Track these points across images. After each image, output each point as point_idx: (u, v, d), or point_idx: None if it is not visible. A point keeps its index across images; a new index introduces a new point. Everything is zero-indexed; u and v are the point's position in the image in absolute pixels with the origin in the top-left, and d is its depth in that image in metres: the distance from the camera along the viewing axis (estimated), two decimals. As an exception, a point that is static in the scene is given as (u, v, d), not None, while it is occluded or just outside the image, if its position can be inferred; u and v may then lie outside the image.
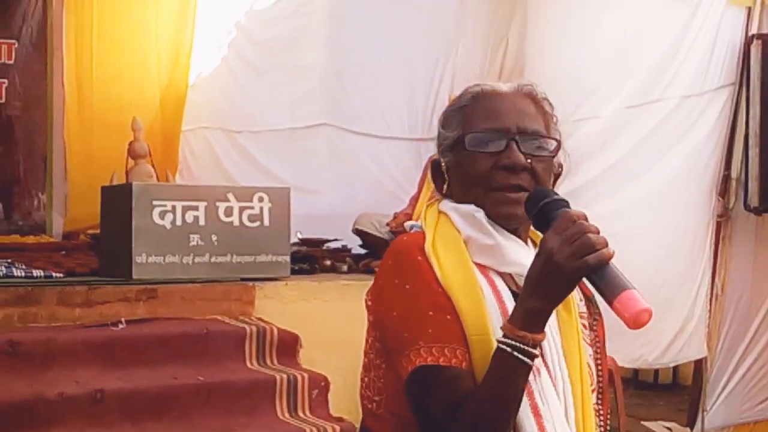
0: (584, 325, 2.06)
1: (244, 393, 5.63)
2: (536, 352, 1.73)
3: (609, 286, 1.65)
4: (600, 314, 2.10)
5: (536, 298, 1.73)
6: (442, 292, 1.85)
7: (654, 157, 6.58)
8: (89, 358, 5.49)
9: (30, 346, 5.38)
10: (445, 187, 2.03)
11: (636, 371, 7.16)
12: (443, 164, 2.03)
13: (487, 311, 1.83)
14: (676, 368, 7.19)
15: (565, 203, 1.79)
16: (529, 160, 1.91)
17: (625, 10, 6.31)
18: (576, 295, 2.02)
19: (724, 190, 6.71)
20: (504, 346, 1.72)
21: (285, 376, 5.68)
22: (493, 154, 1.92)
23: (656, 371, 7.34)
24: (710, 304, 6.69)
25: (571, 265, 1.66)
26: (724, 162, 6.71)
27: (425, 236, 1.94)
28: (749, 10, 6.64)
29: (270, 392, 5.64)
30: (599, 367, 2.09)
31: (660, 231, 6.64)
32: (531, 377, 1.81)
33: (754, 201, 6.47)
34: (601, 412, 2.09)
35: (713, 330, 6.70)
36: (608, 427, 2.13)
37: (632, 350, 6.47)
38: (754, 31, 6.63)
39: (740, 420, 6.77)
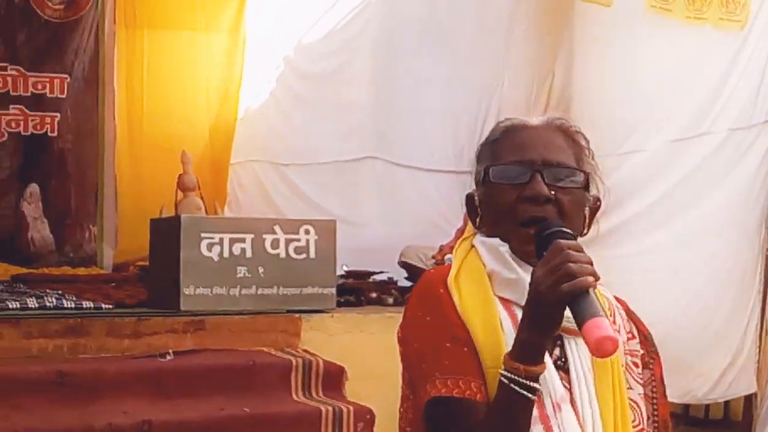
0: (635, 364, 2.03)
1: (290, 425, 5.61)
2: (535, 384, 1.73)
3: (581, 312, 1.66)
4: (657, 353, 2.09)
5: (527, 330, 1.74)
6: (461, 324, 1.86)
7: (702, 191, 6.52)
8: (137, 389, 5.51)
9: (79, 377, 5.41)
10: (477, 220, 2.02)
11: (687, 406, 7.06)
12: (476, 198, 2.02)
13: (505, 344, 1.81)
14: (726, 403, 7.08)
15: (566, 234, 1.79)
16: (553, 192, 1.89)
17: (673, 42, 6.27)
18: (623, 331, 2.00)
19: (776, 223, 6.62)
20: (503, 379, 1.73)
21: (330, 408, 5.66)
22: (517, 185, 1.90)
23: (707, 407, 7.23)
24: (760, 339, 6.61)
25: (551, 294, 1.68)
26: (776, 195, 6.61)
27: (448, 271, 1.95)
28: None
29: (315, 424, 5.60)
30: (654, 407, 2.05)
31: (709, 265, 6.54)
32: (551, 412, 1.83)
33: (806, 233, 6.40)
34: None
35: (763, 365, 6.61)
36: None
37: (682, 385, 6.40)
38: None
39: (790, 457, 6.65)
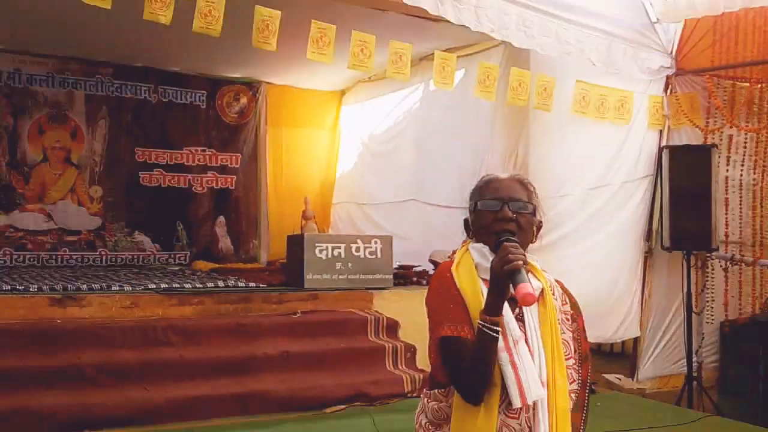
0: (567, 318, 2.04)
1: (367, 354, 5.67)
2: (496, 327, 1.81)
3: (515, 281, 1.78)
4: (580, 312, 2.09)
5: (490, 296, 1.84)
6: (459, 294, 1.92)
7: (606, 219, 6.51)
8: (280, 333, 5.60)
9: (248, 327, 5.54)
10: (470, 233, 2.06)
11: (600, 345, 7.01)
12: (469, 221, 2.06)
13: (483, 304, 1.88)
14: (623, 343, 7.00)
15: (510, 240, 1.88)
16: (514, 215, 1.95)
17: (587, 130, 6.28)
18: (559, 298, 2.04)
19: (649, 237, 6.63)
20: (480, 324, 1.82)
21: (390, 344, 5.74)
22: (493, 212, 1.96)
23: (611, 345, 7.16)
24: (642, 305, 6.62)
25: (500, 271, 1.79)
26: (649, 219, 6.62)
27: (453, 262, 2.01)
28: (661, 131, 6.57)
29: (382, 354, 5.67)
30: (579, 344, 2.03)
31: (611, 262, 6.52)
32: (511, 344, 1.87)
33: (666, 243, 6.40)
34: (580, 371, 2.02)
35: (644, 320, 6.63)
36: (589, 385, 2.06)
37: (597, 332, 6.36)
38: (664, 143, 6.59)
39: (660, 374, 6.68)
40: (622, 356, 7.16)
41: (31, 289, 5.48)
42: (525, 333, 1.90)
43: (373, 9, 5.62)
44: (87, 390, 4.66)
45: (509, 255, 1.80)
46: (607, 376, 6.62)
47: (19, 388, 4.53)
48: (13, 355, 4.72)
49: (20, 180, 8.26)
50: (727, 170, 6.65)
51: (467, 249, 2.02)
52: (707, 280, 6.64)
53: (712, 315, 6.65)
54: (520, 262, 1.79)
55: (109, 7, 4.69)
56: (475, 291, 1.92)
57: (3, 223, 8.14)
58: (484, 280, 1.92)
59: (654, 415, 5.47)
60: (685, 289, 6.37)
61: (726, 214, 6.63)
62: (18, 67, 8.18)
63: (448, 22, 5.42)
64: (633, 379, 6.57)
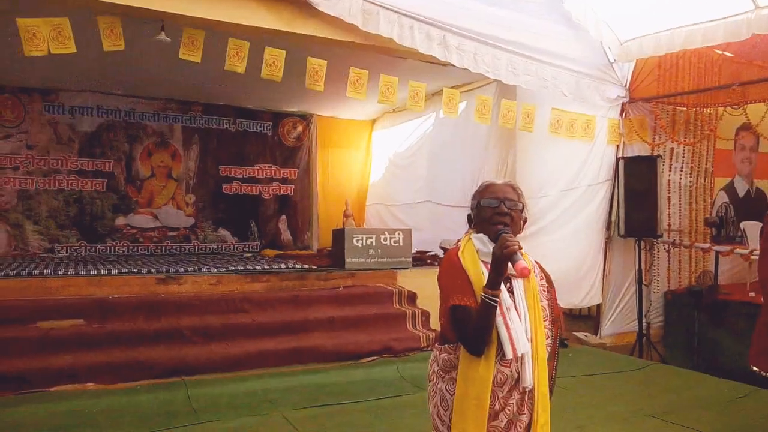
0: (543, 289, 2.02)
1: (393, 318, 5.61)
2: (495, 298, 1.81)
3: (513, 260, 1.80)
4: (552, 285, 2.08)
5: (491, 273, 1.84)
6: (465, 272, 1.90)
7: (576, 213, 6.39)
8: (327, 302, 5.58)
9: (303, 298, 5.52)
10: (472, 225, 2.03)
11: (570, 310, 6.89)
12: (472, 215, 2.03)
13: (483, 280, 1.87)
14: (589, 308, 6.87)
15: (506, 232, 1.87)
16: (508, 211, 1.92)
17: (560, 145, 6.17)
18: (538, 275, 2.01)
19: (608, 227, 6.48)
20: (482, 296, 1.82)
21: (410, 310, 5.69)
22: (492, 207, 1.93)
23: (580, 309, 7.04)
24: (603, 279, 6.47)
25: (500, 255, 1.80)
26: (608, 213, 6.47)
27: (458, 248, 1.98)
28: (618, 146, 6.43)
29: (404, 318, 5.63)
30: (552, 309, 2.03)
31: (580, 246, 6.38)
32: (505, 310, 1.87)
33: (622, 232, 6.31)
34: (552, 330, 2.02)
35: (605, 290, 6.48)
36: (558, 339, 2.06)
37: (568, 299, 6.25)
38: (620, 155, 6.43)
39: (618, 331, 6.53)
40: (588, 318, 7.05)
41: (142, 272, 5.53)
42: (514, 302, 1.90)
43: (396, 57, 5.57)
44: (183, 346, 4.69)
45: (507, 242, 1.80)
46: (576, 333, 6.51)
47: (133, 344, 4.57)
48: (129, 320, 4.77)
49: (134, 191, 8.33)
50: (670, 175, 6.51)
51: (470, 238, 1.98)
52: (654, 260, 6.49)
53: (657, 286, 6.52)
54: (516, 247, 1.80)
55: (199, 61, 4.73)
56: (477, 270, 1.90)
57: (122, 222, 8.22)
58: (483, 262, 1.90)
59: (613, 363, 5.39)
60: (637, 267, 6.28)
61: (668, 208, 6.51)
62: (132, 107, 8.25)
63: (453, 65, 5.38)
64: (597, 336, 6.44)
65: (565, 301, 6.29)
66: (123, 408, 3.87)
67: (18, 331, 4.39)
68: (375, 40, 5.04)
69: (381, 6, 4.93)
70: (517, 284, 1.91)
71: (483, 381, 1.83)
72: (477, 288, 1.85)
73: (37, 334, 4.38)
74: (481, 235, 1.95)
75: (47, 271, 5.29)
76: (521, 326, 1.86)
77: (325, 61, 5.07)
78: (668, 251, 6.53)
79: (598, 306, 6.56)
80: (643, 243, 6.32)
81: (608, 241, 6.45)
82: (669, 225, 6.51)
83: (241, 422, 3.73)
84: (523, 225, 2.01)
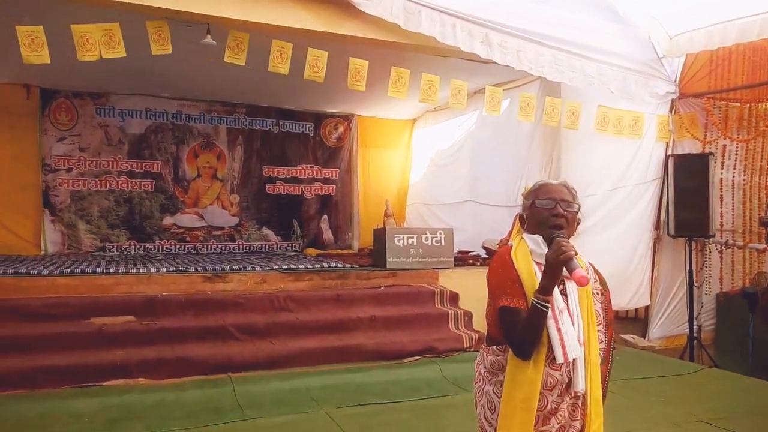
0: (597, 292, 1.97)
1: (435, 318, 5.58)
2: (547, 304, 1.75)
3: (570, 267, 1.73)
4: (607, 288, 2.04)
5: (545, 279, 1.77)
6: (517, 274, 1.86)
7: (623, 213, 6.22)
8: (369, 301, 5.58)
9: (345, 297, 5.54)
10: (525, 226, 1.97)
11: (617, 311, 6.73)
12: (524, 215, 1.97)
13: (536, 282, 1.82)
14: (636, 310, 6.70)
15: (560, 236, 1.81)
16: (564, 213, 1.88)
17: (608, 143, 6.01)
18: (592, 277, 1.96)
19: (658, 226, 6.30)
20: (534, 301, 1.76)
21: (452, 311, 5.64)
22: (548, 209, 1.89)
23: (627, 311, 6.86)
24: (651, 280, 6.31)
25: (554, 260, 1.74)
26: (657, 213, 6.29)
27: (511, 248, 1.93)
28: (667, 143, 6.23)
29: (446, 318, 5.59)
30: (606, 313, 1.99)
31: (627, 247, 6.21)
32: (557, 313, 1.80)
33: (672, 231, 6.10)
34: (606, 333, 1.97)
35: (653, 292, 6.31)
36: (612, 344, 2.01)
37: (615, 301, 5.99)
38: (669, 152, 6.24)
39: (667, 334, 6.37)
40: (635, 320, 6.86)
41: (189, 270, 5.64)
42: (567, 305, 1.84)
43: (437, 56, 5.54)
44: (229, 343, 4.77)
45: (562, 247, 1.73)
46: (623, 336, 6.36)
47: (182, 341, 4.68)
48: (177, 317, 4.88)
49: (181, 191, 8.53)
50: (722, 173, 6.27)
51: (522, 238, 1.93)
52: (705, 260, 6.27)
53: (709, 288, 6.29)
54: (572, 253, 1.73)
55: (244, 64, 4.81)
56: (529, 272, 1.85)
57: (169, 222, 8.43)
58: (537, 263, 1.85)
59: (663, 367, 5.24)
60: (688, 267, 6.06)
61: (721, 207, 6.28)
62: (179, 110, 8.45)
63: (496, 63, 5.31)
64: (645, 339, 6.28)
65: (612, 303, 6.13)
66: (172, 403, 3.96)
67: (73, 326, 4.55)
68: (416, 39, 5.03)
69: (422, 5, 4.91)
70: (571, 286, 1.85)
71: (531, 384, 1.78)
72: (529, 289, 1.81)
73: (91, 330, 4.54)
74: (536, 236, 1.89)
75: (99, 270, 5.47)
76: (573, 330, 1.81)
77: (367, 62, 5.09)
78: (720, 252, 6.30)
79: (646, 308, 6.38)
80: (694, 243, 6.12)
81: (657, 241, 6.26)
82: (722, 224, 6.28)
83: (286, 419, 3.78)
84: (577, 226, 1.96)
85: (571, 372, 1.84)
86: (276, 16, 4.78)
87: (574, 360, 1.81)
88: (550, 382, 1.82)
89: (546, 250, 1.82)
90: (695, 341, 5.96)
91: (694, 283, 6.08)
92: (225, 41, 4.76)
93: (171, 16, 4.57)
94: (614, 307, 6.91)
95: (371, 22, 4.88)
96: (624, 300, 6.18)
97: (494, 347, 1.92)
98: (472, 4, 5.10)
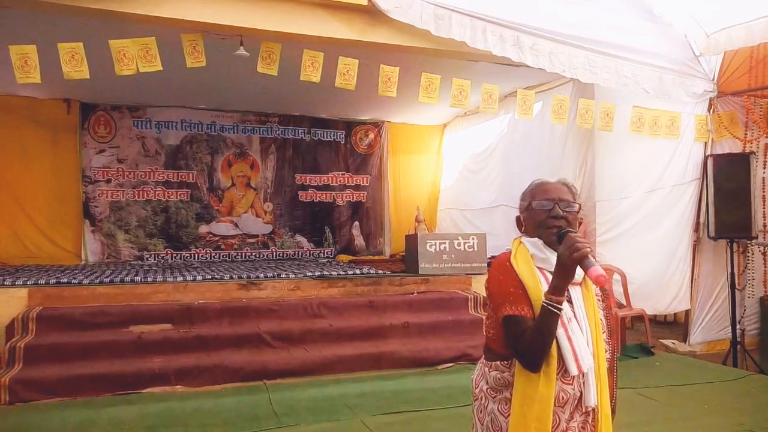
0: (599, 299, 1.81)
1: (469, 325, 5.50)
2: (560, 306, 1.63)
3: (586, 265, 1.60)
4: (608, 295, 1.90)
5: (556, 279, 1.64)
6: (519, 280, 1.72)
7: (661, 216, 6.07)
8: (402, 308, 5.54)
9: (378, 303, 5.51)
10: (522, 228, 1.86)
11: (655, 315, 6.53)
12: (521, 218, 1.86)
13: (540, 288, 1.69)
14: (675, 314, 6.51)
15: (572, 232, 1.70)
16: (563, 213, 1.76)
17: (644, 144, 5.91)
18: (594, 287, 1.82)
19: (697, 228, 6.11)
20: (545, 304, 1.63)
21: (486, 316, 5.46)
22: (546, 210, 1.77)
23: (665, 316, 6.66)
24: (691, 283, 6.11)
25: (568, 258, 1.61)
26: (697, 214, 6.11)
27: (510, 254, 1.79)
28: (706, 143, 6.04)
29: (480, 324, 5.45)
30: (608, 321, 1.84)
31: (665, 250, 6.04)
32: (566, 321, 1.69)
33: (712, 233, 5.89)
34: (609, 342, 1.83)
35: (693, 295, 6.12)
36: (616, 352, 1.88)
37: (653, 305, 5.95)
38: (708, 152, 6.05)
39: (708, 339, 6.15)
40: (674, 324, 6.67)
41: (224, 278, 5.69)
42: (574, 312, 1.72)
43: (468, 61, 5.48)
44: (264, 350, 4.79)
45: (577, 244, 1.60)
46: (663, 341, 6.18)
47: (218, 348, 4.71)
48: (213, 325, 4.92)
49: (216, 200, 8.64)
50: (764, 172, 6.04)
51: (521, 242, 1.81)
52: (748, 263, 6.04)
53: (752, 291, 6.06)
54: (588, 249, 1.60)
55: (276, 74, 4.83)
56: (533, 277, 1.72)
57: (205, 230, 8.54)
58: (538, 268, 1.74)
59: (706, 373, 5.04)
60: (729, 270, 5.84)
61: (764, 208, 6.04)
62: (213, 120, 8.58)
63: (528, 66, 5.23)
64: (685, 344, 6.08)
65: (650, 307, 5.98)
66: (209, 410, 3.98)
67: (113, 334, 4.62)
68: (447, 45, 4.99)
69: (452, 10, 4.87)
70: (575, 293, 1.74)
71: (544, 401, 1.63)
72: (533, 297, 1.68)
73: (130, 338, 4.60)
74: (535, 239, 1.78)
75: (137, 278, 5.55)
76: (584, 339, 1.69)
77: (398, 68, 5.07)
78: (764, 253, 6.08)
79: (687, 312, 6.18)
80: (735, 245, 5.90)
81: (697, 243, 6.07)
82: (765, 226, 6.05)
83: (321, 427, 3.75)
84: (579, 225, 1.83)
85: (582, 385, 1.71)
86: (308, 26, 4.81)
87: (586, 372, 1.69)
88: (563, 398, 1.69)
89: (547, 254, 1.74)
90: (738, 346, 5.74)
91: (737, 287, 5.87)
92: (258, 52, 4.80)
93: (205, 29, 4.64)
94: (652, 312, 6.70)
95: (401, 28, 4.87)
96: (662, 304, 6.02)
97: (498, 362, 1.78)
98: (503, 7, 5.03)
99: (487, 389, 1.79)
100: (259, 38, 4.80)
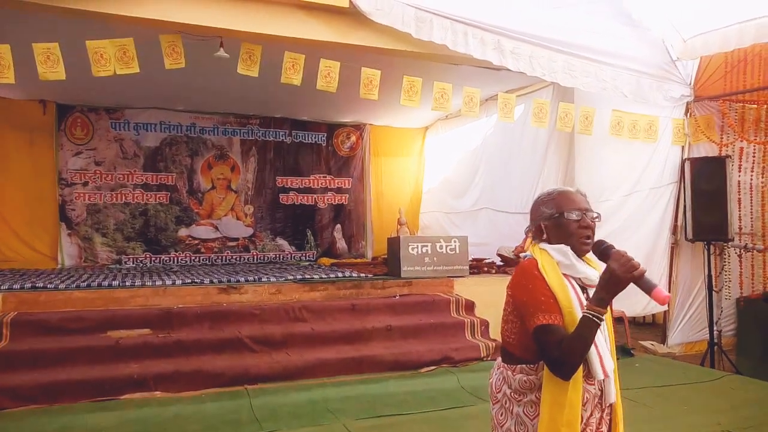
0: None
1: (451, 327, 5.49)
2: (602, 318, 1.66)
3: (646, 286, 1.65)
4: (610, 306, 1.89)
5: (604, 293, 1.67)
6: (549, 288, 1.75)
7: (640, 218, 6.17)
8: (384, 311, 5.52)
9: (360, 306, 5.47)
10: (544, 236, 1.87)
11: (634, 317, 6.60)
12: (543, 226, 1.87)
13: (570, 297, 1.75)
14: (654, 315, 6.59)
15: (612, 246, 1.75)
16: (592, 224, 1.84)
17: (623, 147, 5.97)
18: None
19: (675, 230, 6.23)
20: (588, 314, 1.65)
21: (469, 319, 5.55)
22: (576, 220, 1.82)
23: (644, 317, 6.74)
24: (669, 284, 6.21)
25: (625, 276, 1.64)
26: (674, 217, 6.22)
27: (536, 261, 1.81)
28: (683, 147, 6.18)
29: (462, 327, 5.50)
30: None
31: (643, 251, 6.09)
32: None
33: (689, 236, 6.00)
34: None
35: (672, 298, 6.20)
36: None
37: (631, 307, 6.00)
38: (685, 156, 6.18)
39: (686, 340, 6.26)
40: (653, 326, 6.76)
41: (204, 282, 5.62)
42: None
43: (450, 64, 5.50)
44: (245, 355, 4.74)
45: (633, 262, 1.65)
46: (642, 342, 6.26)
47: (198, 353, 4.65)
48: (193, 329, 4.85)
49: (196, 203, 8.56)
50: (740, 176, 6.19)
51: (542, 250, 1.84)
52: (724, 265, 6.16)
53: (729, 292, 6.20)
54: (644, 269, 1.66)
55: (257, 75, 4.80)
56: (561, 285, 1.76)
57: (184, 234, 8.46)
58: (565, 275, 1.78)
59: (684, 374, 5.13)
60: (707, 272, 5.95)
61: (739, 211, 6.19)
62: (193, 122, 8.50)
63: (508, 70, 5.27)
64: (664, 345, 6.17)
65: (628, 309, 6.04)
66: (189, 416, 3.93)
67: (90, 340, 4.54)
68: (428, 48, 5.01)
69: (434, 13, 4.89)
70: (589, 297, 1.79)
71: (573, 406, 1.69)
72: (563, 304, 1.72)
73: (108, 344, 4.52)
74: (562, 246, 1.82)
75: (115, 283, 5.47)
76: (605, 343, 1.77)
77: (379, 71, 5.07)
78: (740, 255, 6.20)
79: (665, 313, 6.27)
80: (712, 247, 6.01)
81: (675, 245, 6.17)
82: (740, 228, 6.17)
83: (303, 432, 3.73)
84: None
85: (603, 384, 1.81)
86: (288, 28, 4.78)
87: (609, 375, 1.78)
88: (585, 398, 1.76)
89: (573, 261, 1.79)
90: (716, 347, 5.84)
91: (714, 288, 5.98)
92: (238, 54, 4.77)
93: (185, 30, 4.59)
94: (631, 314, 6.76)
95: (382, 31, 4.87)
96: (640, 306, 6.08)
97: (523, 365, 1.81)
98: (484, 11, 5.07)
99: (510, 393, 1.82)
100: (239, 40, 4.76)
